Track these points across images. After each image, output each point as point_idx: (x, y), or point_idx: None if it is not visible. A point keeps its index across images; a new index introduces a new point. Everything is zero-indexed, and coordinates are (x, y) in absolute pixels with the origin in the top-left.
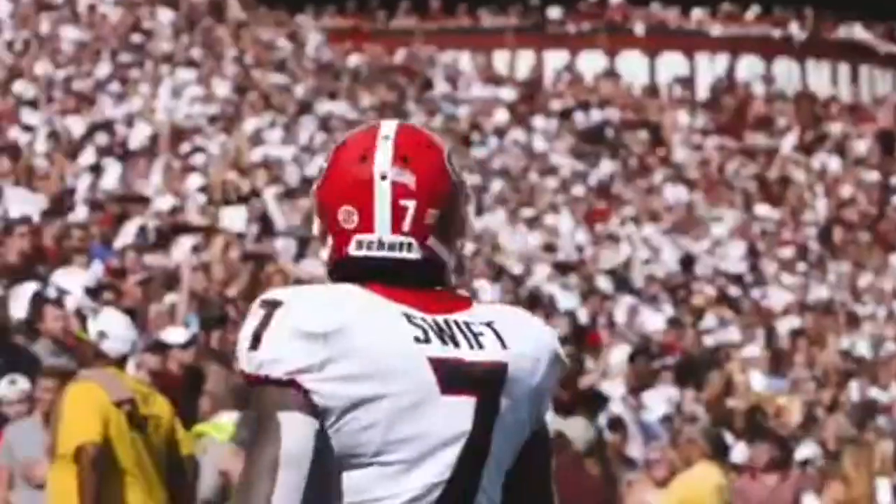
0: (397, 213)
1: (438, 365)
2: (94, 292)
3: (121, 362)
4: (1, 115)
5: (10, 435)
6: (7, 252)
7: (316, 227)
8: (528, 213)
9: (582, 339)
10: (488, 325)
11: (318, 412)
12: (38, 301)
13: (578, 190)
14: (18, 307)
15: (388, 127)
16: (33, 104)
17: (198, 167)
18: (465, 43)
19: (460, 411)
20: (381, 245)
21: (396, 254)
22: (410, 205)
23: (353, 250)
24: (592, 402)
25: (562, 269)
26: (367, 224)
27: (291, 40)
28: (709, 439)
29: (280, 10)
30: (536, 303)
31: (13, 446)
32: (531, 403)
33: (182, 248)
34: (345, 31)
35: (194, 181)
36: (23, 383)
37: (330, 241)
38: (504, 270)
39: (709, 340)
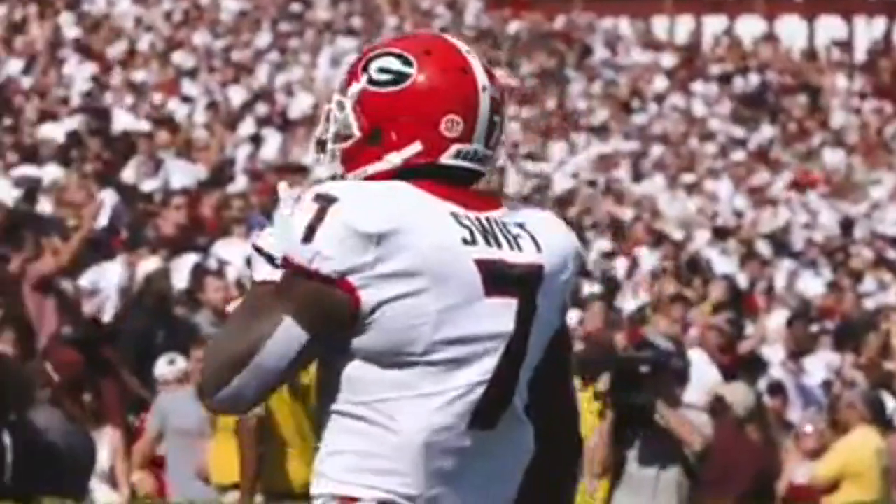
0: (490, 128)
1: (484, 267)
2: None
3: None
4: (160, 86)
5: (164, 402)
6: (164, 224)
7: (355, 128)
8: (687, 178)
9: (741, 304)
10: (521, 226)
11: (348, 321)
12: (199, 272)
13: (738, 155)
14: (180, 278)
15: (455, 41)
16: (192, 75)
17: None
18: (624, 9)
19: (503, 313)
20: (475, 156)
21: (481, 166)
22: (497, 120)
23: (448, 158)
24: (752, 367)
25: (721, 234)
26: (468, 134)
27: (450, 8)
28: (868, 403)
29: None
30: (696, 267)
31: (167, 413)
32: (559, 300)
33: None
34: None
35: None
36: (181, 363)
37: (416, 146)
38: (664, 236)
39: (868, 303)
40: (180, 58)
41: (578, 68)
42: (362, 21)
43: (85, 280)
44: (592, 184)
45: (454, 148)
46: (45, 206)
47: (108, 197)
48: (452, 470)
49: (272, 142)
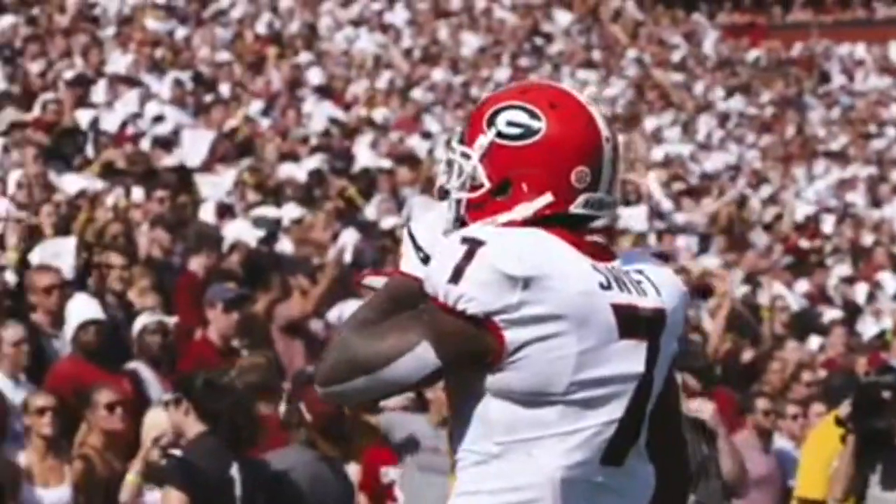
0: (613, 175)
1: (619, 310)
2: None
3: None
4: (400, 123)
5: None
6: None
7: (484, 179)
8: None
9: None
10: (640, 273)
11: (492, 360)
12: None
13: None
14: None
15: (575, 91)
16: (432, 111)
17: None
18: (861, 35)
19: (634, 355)
20: (600, 204)
21: (603, 213)
22: (619, 168)
23: (577, 208)
24: None
25: None
26: (594, 184)
27: (688, 39)
28: None
29: (676, 8)
30: None
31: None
32: (675, 340)
33: None
34: (741, 27)
35: None
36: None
37: (547, 198)
38: None
39: None
40: (420, 94)
41: (816, 95)
42: (601, 53)
43: (332, 315)
44: (831, 210)
45: (583, 198)
46: (285, 245)
47: (350, 236)
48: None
49: None
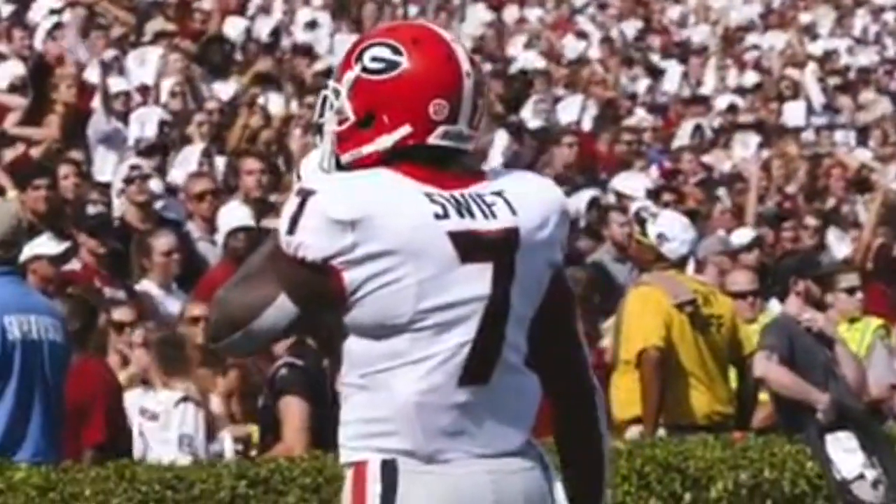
0: (474, 110)
1: (457, 237)
2: (654, 195)
3: (680, 264)
4: (556, 24)
5: None
6: (553, 160)
7: (350, 113)
8: None
9: None
10: (498, 194)
11: (336, 298)
12: (599, 206)
13: None
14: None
15: (438, 31)
16: (586, 11)
17: (753, 64)
18: None
19: (479, 278)
20: (459, 136)
21: (466, 144)
22: (480, 103)
23: (435, 139)
24: None
25: None
26: (453, 116)
27: None
28: None
29: None
30: None
31: None
32: (544, 256)
33: (747, 146)
34: None
35: (749, 78)
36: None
37: (406, 129)
38: None
39: None
40: None
41: None
42: None
43: None
44: None
45: (441, 129)
46: None
47: (500, 138)
48: (452, 423)
49: (670, 74)
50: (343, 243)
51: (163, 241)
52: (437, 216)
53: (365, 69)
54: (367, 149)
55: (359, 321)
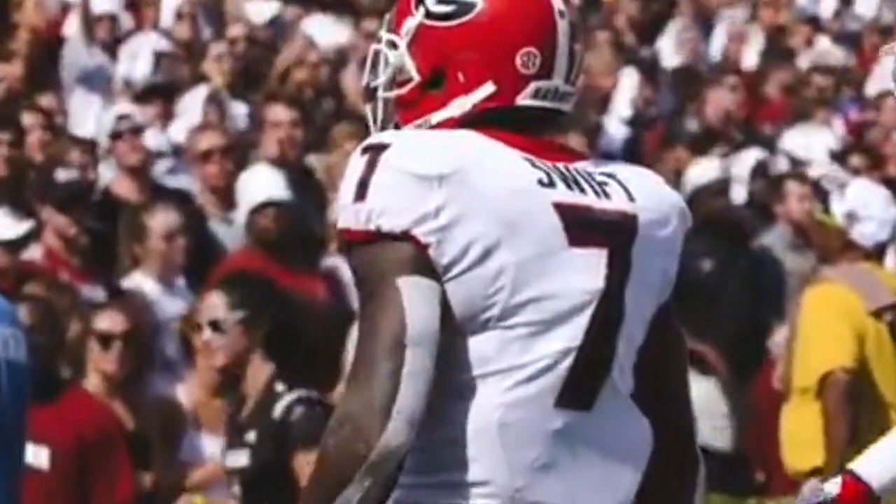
0: (571, 60)
1: (565, 210)
2: (840, 157)
3: (878, 254)
4: None
5: None
6: (702, 109)
7: (413, 71)
8: None
9: None
10: (611, 175)
11: (438, 273)
12: (768, 173)
13: None
14: (738, 183)
15: None
16: None
17: None
18: None
19: (592, 266)
20: (556, 94)
21: (563, 105)
22: (578, 50)
23: (526, 99)
24: None
25: None
26: (547, 69)
27: None
28: None
29: None
30: None
31: None
32: (661, 263)
33: None
34: None
35: None
36: None
37: (488, 87)
38: None
39: None
40: None
41: None
42: None
43: None
44: None
45: (533, 86)
46: None
47: (629, 77)
48: (544, 455)
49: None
50: (428, 206)
51: (162, 220)
52: (542, 183)
53: (429, 14)
54: (439, 115)
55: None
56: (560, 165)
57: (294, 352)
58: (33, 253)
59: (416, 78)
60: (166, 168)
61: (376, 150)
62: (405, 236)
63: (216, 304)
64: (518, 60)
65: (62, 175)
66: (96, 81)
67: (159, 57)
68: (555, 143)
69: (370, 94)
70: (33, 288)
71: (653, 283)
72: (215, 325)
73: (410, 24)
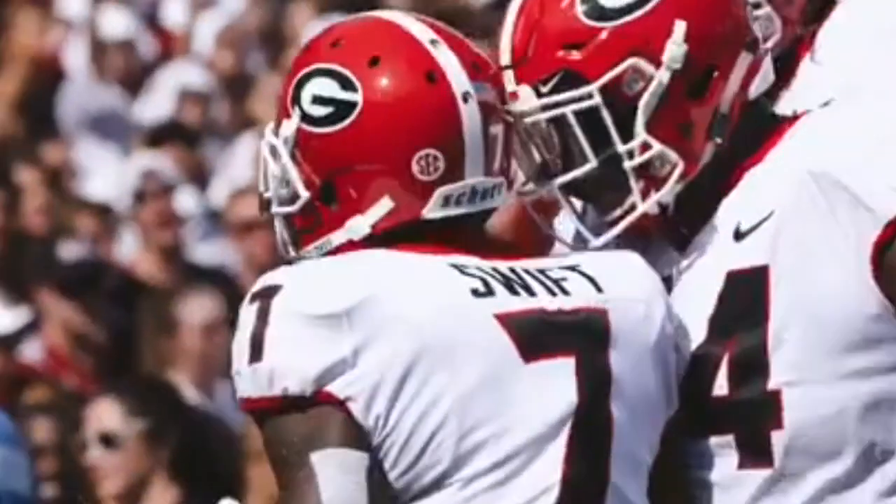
0: (490, 148)
1: (512, 320)
2: None
3: None
4: None
5: None
6: None
7: (298, 185)
8: None
9: None
10: (572, 268)
11: (363, 434)
12: None
13: None
14: None
15: (417, 27)
16: None
17: None
18: None
19: (558, 379)
20: (474, 195)
21: (488, 203)
22: (499, 132)
23: (435, 210)
24: None
25: None
26: (454, 171)
27: None
28: None
29: None
30: None
31: None
32: (656, 368)
33: None
34: None
35: None
36: None
37: (384, 203)
38: None
39: None
40: None
41: None
42: None
43: None
44: None
45: (439, 193)
46: None
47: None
48: None
49: None
50: (340, 352)
51: (199, 308)
52: (477, 293)
53: (306, 117)
54: (339, 236)
55: (387, 477)
56: (500, 266)
57: (205, 475)
58: (32, 351)
59: (304, 194)
60: (198, 236)
61: (265, 296)
62: (318, 396)
63: (109, 412)
64: (415, 167)
65: (68, 249)
66: (110, 127)
67: (191, 94)
68: (492, 239)
69: (267, 205)
70: (34, 396)
71: (648, 392)
72: (108, 440)
73: (288, 128)
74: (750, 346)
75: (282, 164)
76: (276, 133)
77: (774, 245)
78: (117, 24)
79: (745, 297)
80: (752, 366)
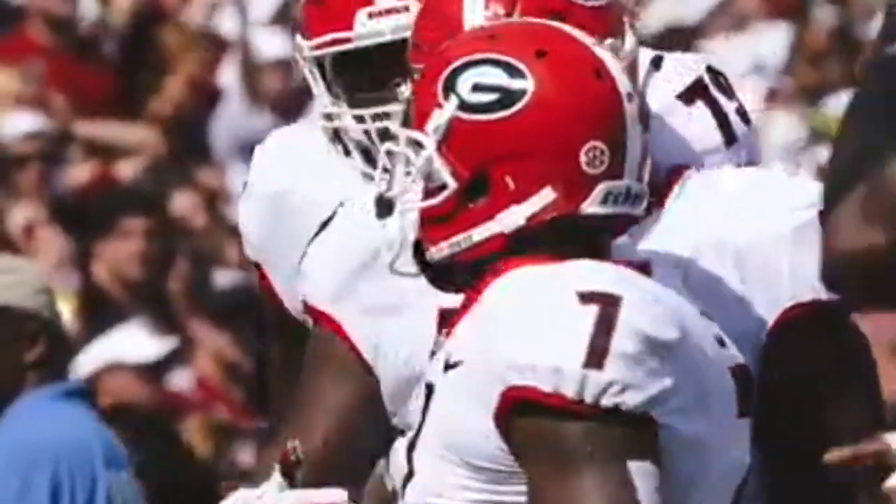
0: (644, 152)
1: (737, 373)
2: None
3: None
4: None
5: None
6: None
7: (446, 176)
8: None
9: None
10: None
11: (658, 460)
12: None
13: None
14: None
15: (572, 30)
16: None
17: None
18: None
19: (746, 437)
20: (627, 197)
21: (634, 209)
22: (647, 139)
23: (595, 205)
24: None
25: None
26: (617, 167)
27: None
28: None
29: None
30: None
31: None
32: None
33: None
34: None
35: None
36: None
37: (548, 192)
38: None
39: None
40: None
41: None
42: None
43: None
44: None
45: (601, 188)
46: None
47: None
48: None
49: None
50: (665, 382)
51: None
52: (721, 342)
53: (464, 105)
54: (481, 231)
55: None
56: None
57: None
58: (180, 381)
59: (453, 185)
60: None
61: (607, 304)
62: (643, 418)
63: None
64: (583, 158)
65: (221, 278)
66: None
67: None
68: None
69: (384, 205)
70: (187, 427)
71: None
72: None
73: (440, 118)
74: None
75: (427, 154)
76: (418, 125)
77: None
78: (272, 43)
79: None
80: None
